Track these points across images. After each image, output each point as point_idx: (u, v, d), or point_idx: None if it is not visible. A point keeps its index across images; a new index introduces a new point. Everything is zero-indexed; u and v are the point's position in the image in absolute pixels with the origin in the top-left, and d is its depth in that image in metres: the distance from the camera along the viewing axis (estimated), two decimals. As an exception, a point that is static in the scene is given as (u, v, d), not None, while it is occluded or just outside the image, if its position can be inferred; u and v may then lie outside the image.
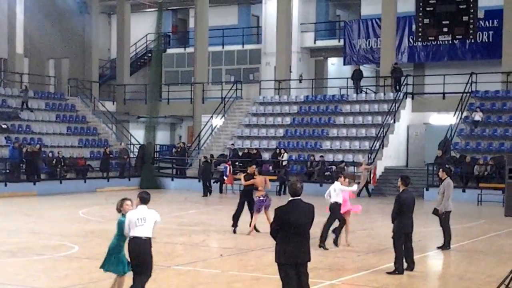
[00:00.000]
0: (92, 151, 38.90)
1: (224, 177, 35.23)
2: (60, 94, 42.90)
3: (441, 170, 18.13)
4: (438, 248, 17.58)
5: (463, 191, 31.71)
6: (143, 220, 10.67)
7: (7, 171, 33.02)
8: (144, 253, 10.70)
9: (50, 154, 35.72)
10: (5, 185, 32.27)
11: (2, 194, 31.05)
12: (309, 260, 9.81)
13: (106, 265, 11.17)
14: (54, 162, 35.40)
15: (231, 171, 35.08)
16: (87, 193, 34.03)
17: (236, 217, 20.19)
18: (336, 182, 17.51)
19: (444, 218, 17.41)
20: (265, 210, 19.68)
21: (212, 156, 38.43)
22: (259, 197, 19.72)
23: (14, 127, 36.63)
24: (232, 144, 38.92)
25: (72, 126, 39.85)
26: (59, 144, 37.56)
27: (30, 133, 37.05)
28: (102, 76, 51.30)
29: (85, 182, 35.97)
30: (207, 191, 33.80)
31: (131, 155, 40.81)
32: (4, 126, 36.04)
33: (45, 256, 15.97)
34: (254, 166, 20.93)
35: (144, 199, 10.85)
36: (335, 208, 17.24)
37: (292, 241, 9.59)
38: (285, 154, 36.68)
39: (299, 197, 9.75)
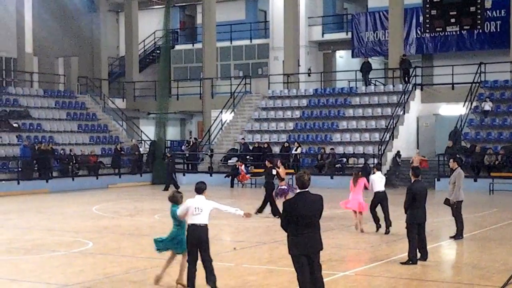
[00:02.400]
0: (103, 148, 39.08)
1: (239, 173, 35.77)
2: (70, 92, 43.04)
3: (452, 160, 18.17)
4: (451, 237, 17.60)
5: (475, 180, 31.70)
6: (199, 210, 11.42)
7: (19, 169, 33.21)
8: (200, 238, 11.45)
9: (62, 152, 35.91)
10: (18, 183, 32.52)
11: (15, 192, 31.32)
12: (322, 249, 9.88)
13: (164, 247, 12.21)
14: (66, 159, 35.61)
15: (245, 169, 35.72)
16: (99, 190, 34.24)
17: (276, 211, 21.49)
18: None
19: (456, 208, 17.44)
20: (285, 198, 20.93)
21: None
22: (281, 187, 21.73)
23: (25, 126, 36.81)
24: (243, 139, 39.01)
25: (83, 123, 40.02)
26: (70, 142, 37.77)
27: (41, 131, 37.21)
28: (112, 74, 51.49)
29: (97, 178, 36.21)
30: (168, 186, 33.12)
31: (142, 151, 40.98)
32: (15, 124, 36.23)
33: (60, 253, 16.07)
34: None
35: (198, 189, 11.60)
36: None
37: (302, 232, 9.62)
38: (299, 147, 36.67)
39: (306, 189, 9.77)
